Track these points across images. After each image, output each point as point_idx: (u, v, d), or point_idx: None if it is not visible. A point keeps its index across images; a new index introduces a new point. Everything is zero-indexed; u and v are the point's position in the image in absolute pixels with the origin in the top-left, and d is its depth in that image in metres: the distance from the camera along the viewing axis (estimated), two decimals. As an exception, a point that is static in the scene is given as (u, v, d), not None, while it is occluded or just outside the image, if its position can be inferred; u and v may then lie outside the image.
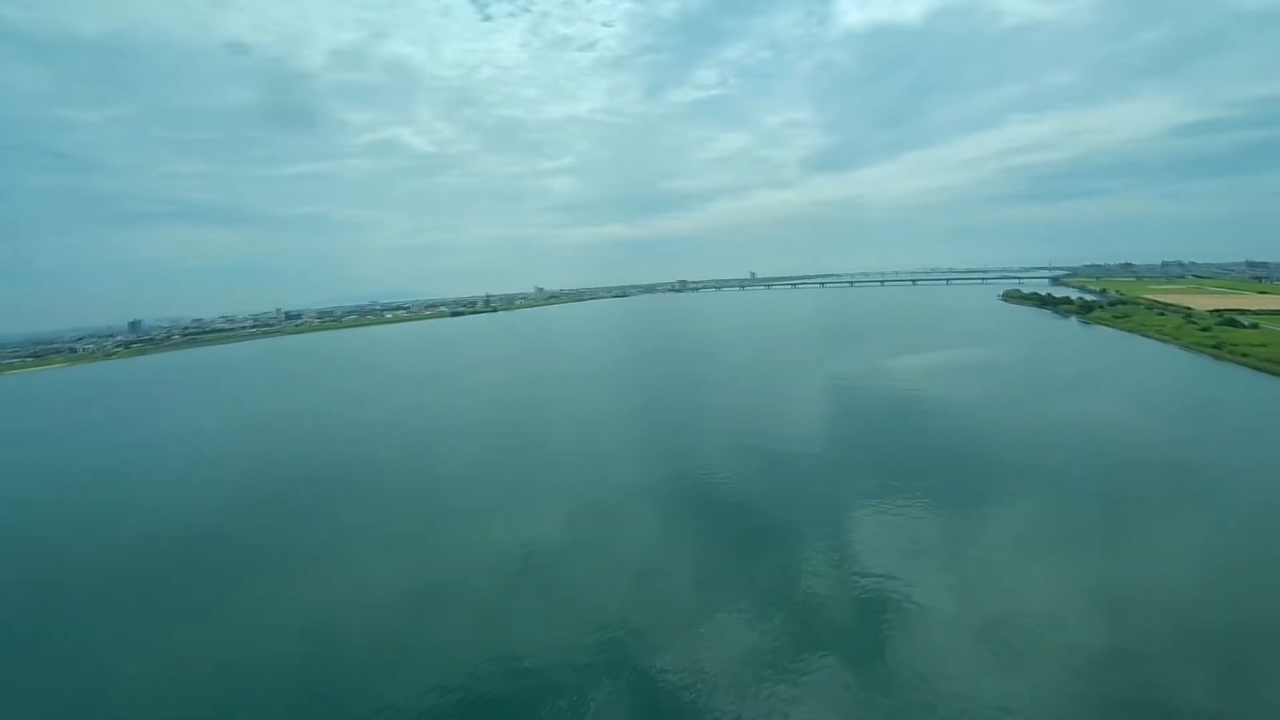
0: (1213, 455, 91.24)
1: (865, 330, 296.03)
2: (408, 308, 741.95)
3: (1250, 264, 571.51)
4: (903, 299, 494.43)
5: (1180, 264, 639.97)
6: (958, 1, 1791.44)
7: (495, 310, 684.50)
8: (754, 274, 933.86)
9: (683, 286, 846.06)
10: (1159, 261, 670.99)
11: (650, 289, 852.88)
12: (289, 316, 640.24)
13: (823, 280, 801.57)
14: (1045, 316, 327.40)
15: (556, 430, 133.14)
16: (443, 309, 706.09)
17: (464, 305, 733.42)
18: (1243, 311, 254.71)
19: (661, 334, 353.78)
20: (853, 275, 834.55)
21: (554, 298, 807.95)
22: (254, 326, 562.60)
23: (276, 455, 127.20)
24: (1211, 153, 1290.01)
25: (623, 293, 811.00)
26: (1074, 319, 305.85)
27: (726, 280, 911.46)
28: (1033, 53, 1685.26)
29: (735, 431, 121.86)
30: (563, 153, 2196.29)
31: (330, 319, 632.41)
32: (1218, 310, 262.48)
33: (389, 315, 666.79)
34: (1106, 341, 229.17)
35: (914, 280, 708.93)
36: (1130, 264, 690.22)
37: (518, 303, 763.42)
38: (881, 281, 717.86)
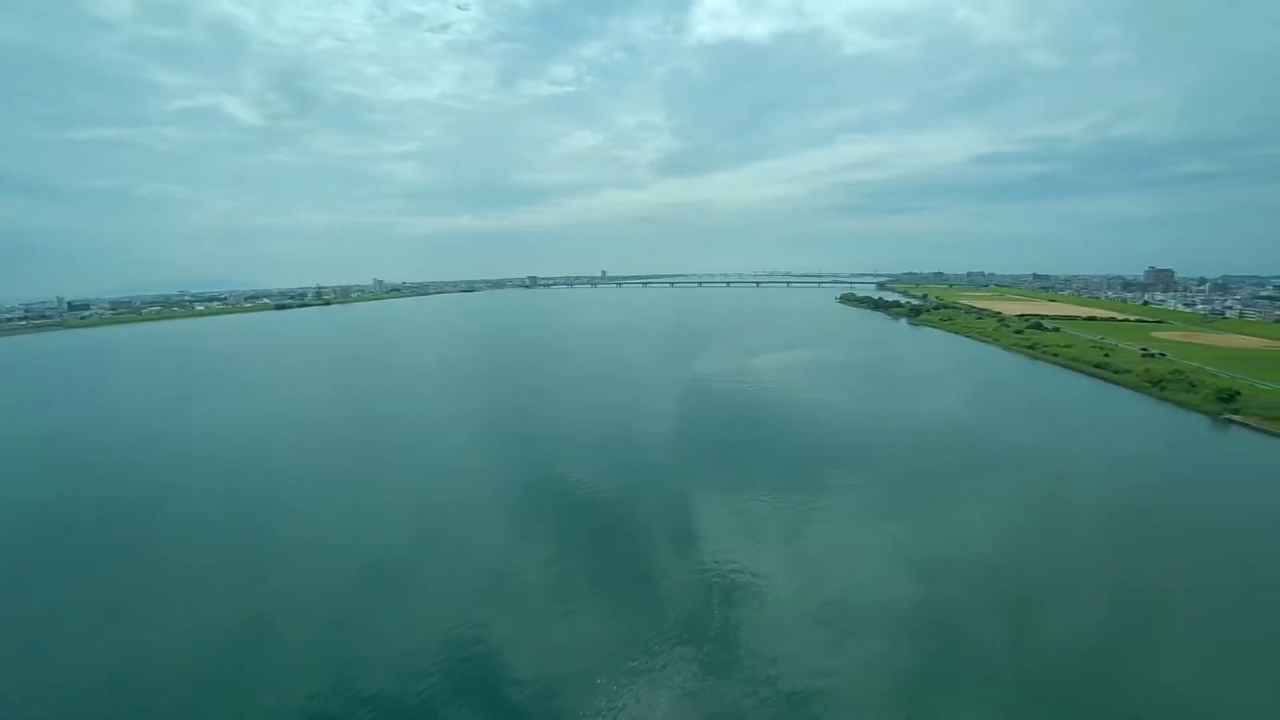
0: (1037, 441, 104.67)
1: (726, 330, 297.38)
2: (223, 299, 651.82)
3: (1036, 276, 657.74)
4: (751, 299, 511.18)
5: (983, 274, 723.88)
6: (802, 27, 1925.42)
7: (327, 303, 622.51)
8: (605, 272, 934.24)
9: (533, 282, 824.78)
10: (965, 272, 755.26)
11: (500, 284, 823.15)
12: (73, 307, 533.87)
13: (672, 280, 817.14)
14: (880, 318, 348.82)
15: (397, 453, 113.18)
16: (266, 301, 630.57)
17: (291, 297, 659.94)
18: (1042, 316, 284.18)
19: (512, 332, 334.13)
20: (700, 276, 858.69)
21: (395, 291, 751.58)
22: (25, 319, 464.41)
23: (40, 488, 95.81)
24: (1006, 180, 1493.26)
25: (470, 287, 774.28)
26: (904, 321, 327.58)
27: (578, 277, 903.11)
28: (867, 80, 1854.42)
29: (593, 434, 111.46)
30: (409, 137, 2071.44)
31: (127, 310, 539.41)
32: (1023, 315, 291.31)
33: (200, 307, 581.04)
34: (939, 342, 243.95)
35: (757, 283, 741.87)
36: (941, 273, 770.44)
37: (354, 296, 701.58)
38: (727, 283, 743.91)
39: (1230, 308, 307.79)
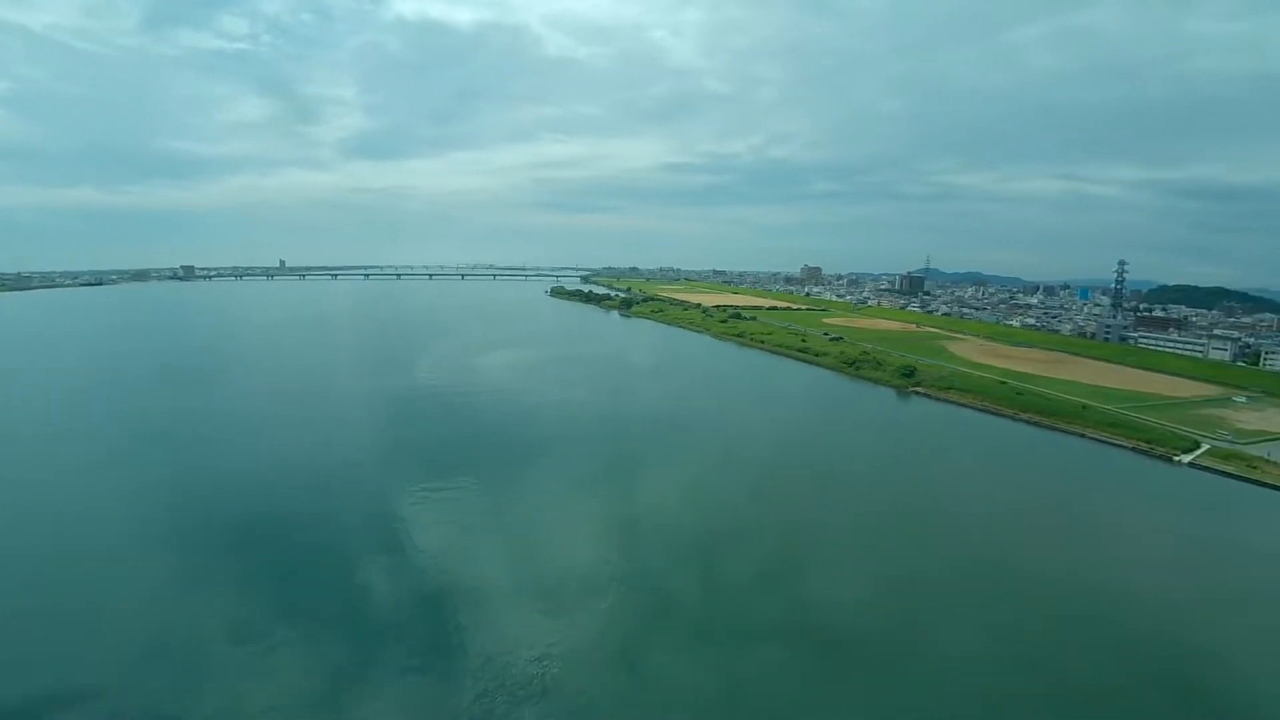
0: (782, 419, 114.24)
1: (439, 325, 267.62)
2: None
3: (715, 271, 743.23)
4: (459, 293, 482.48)
5: (673, 270, 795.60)
6: (506, 20, 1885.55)
7: None
8: (284, 262, 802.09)
9: (189, 274, 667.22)
10: (657, 267, 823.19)
11: (143, 275, 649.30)
12: None
13: (367, 272, 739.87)
14: (594, 311, 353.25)
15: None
16: None
17: None
18: (736, 307, 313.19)
19: (150, 336, 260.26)
20: (399, 268, 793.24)
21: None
22: None
23: None
24: (687, 187, 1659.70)
25: (98, 279, 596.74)
26: (616, 313, 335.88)
27: (250, 268, 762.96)
28: (569, 83, 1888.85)
29: (286, 445, 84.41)
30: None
31: None
32: (719, 306, 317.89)
33: None
34: (657, 333, 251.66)
35: (462, 275, 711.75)
36: (636, 268, 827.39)
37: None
38: (430, 275, 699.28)
39: (868, 298, 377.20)
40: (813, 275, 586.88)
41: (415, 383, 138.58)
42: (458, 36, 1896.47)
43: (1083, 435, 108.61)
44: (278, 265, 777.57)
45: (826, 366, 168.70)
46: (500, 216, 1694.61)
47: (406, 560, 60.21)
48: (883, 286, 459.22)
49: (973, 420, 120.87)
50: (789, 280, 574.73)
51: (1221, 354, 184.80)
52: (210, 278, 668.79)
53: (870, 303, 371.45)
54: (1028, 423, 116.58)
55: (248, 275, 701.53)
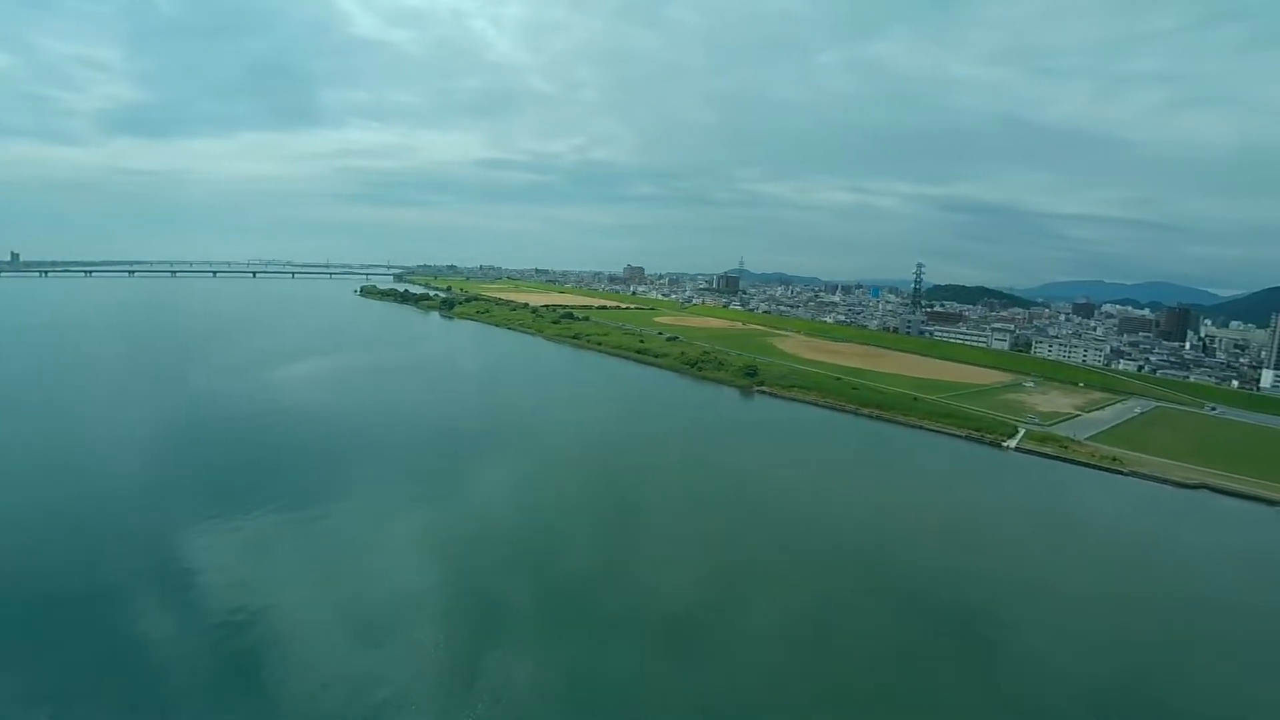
0: (622, 424, 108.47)
1: (228, 332, 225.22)
2: None
3: (538, 270, 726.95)
4: (251, 293, 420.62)
5: (495, 268, 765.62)
6: None
7: None
8: (17, 255, 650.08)
9: None
10: (478, 265, 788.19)
11: None
12: None
13: (132, 268, 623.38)
14: (411, 312, 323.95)
15: None
16: None
17: None
18: (566, 307, 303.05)
19: None
20: (175, 264, 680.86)
21: None
22: None
23: None
24: (508, 184, 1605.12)
25: None
26: (436, 314, 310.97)
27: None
28: (380, 67, 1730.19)
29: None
30: None
31: None
32: (548, 306, 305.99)
33: None
34: (484, 335, 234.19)
35: (254, 273, 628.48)
36: (455, 266, 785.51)
37: None
38: (214, 273, 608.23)
39: (692, 297, 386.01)
40: (636, 275, 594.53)
41: (188, 403, 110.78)
42: (250, 2, 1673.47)
43: (921, 427, 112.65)
44: (7, 259, 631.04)
45: (668, 368, 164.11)
46: (301, 208, 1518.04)
47: (198, 605, 49.66)
48: (701, 286, 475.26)
49: (820, 417, 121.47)
50: (613, 279, 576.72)
51: (1002, 344, 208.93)
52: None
53: (695, 301, 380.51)
54: (870, 417, 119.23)
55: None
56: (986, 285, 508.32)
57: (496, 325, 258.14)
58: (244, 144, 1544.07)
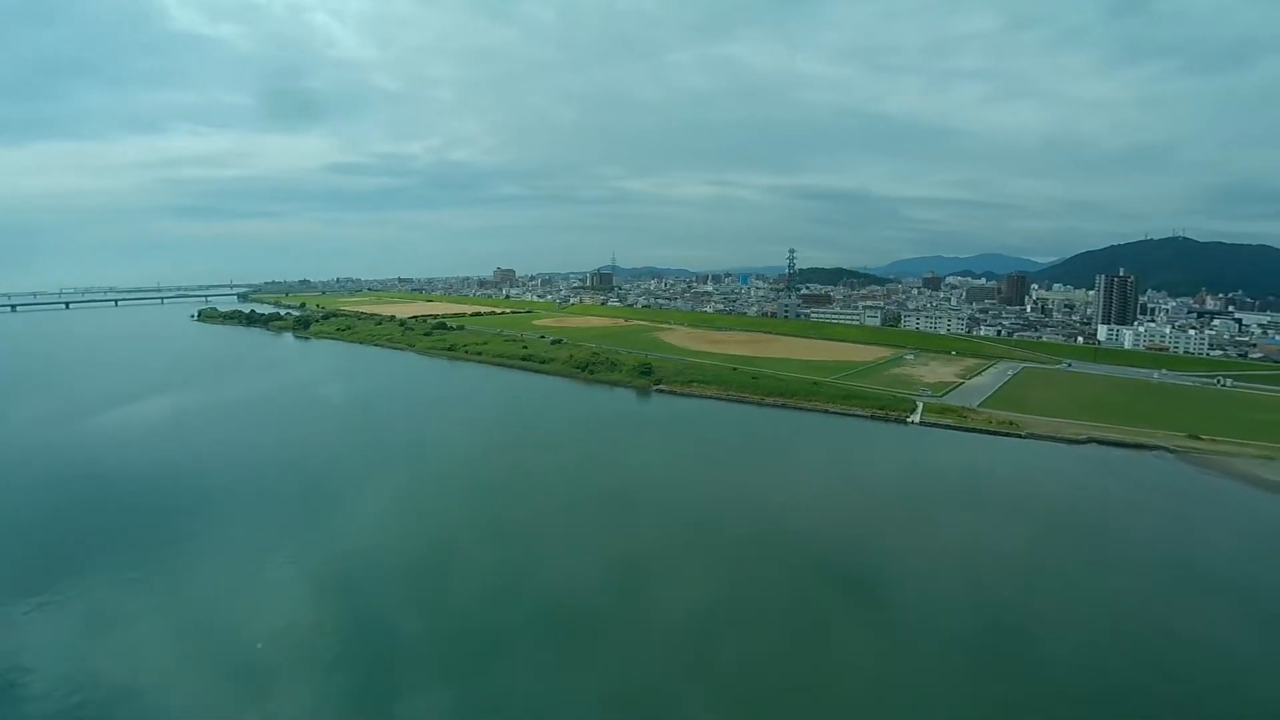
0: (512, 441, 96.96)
1: (43, 375, 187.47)
2: None
3: (401, 279, 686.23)
4: (58, 328, 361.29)
5: (353, 280, 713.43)
6: None
7: None
8: None
9: None
10: (334, 278, 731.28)
11: None
12: None
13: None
14: (261, 334, 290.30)
15: None
16: None
17: None
18: (437, 316, 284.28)
19: None
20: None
21: None
22: None
23: None
24: (360, 190, 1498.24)
25: None
26: (289, 335, 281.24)
27: None
28: (207, 65, 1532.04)
29: None
30: None
31: None
32: (416, 316, 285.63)
33: None
34: (347, 354, 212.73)
35: (66, 304, 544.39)
36: (307, 280, 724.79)
37: None
38: (12, 307, 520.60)
39: (569, 296, 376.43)
40: (507, 277, 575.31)
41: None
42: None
43: (826, 411, 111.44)
44: None
45: (557, 373, 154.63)
46: (125, 226, 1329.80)
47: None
48: (575, 284, 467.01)
49: (725, 411, 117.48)
50: (484, 284, 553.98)
51: (874, 320, 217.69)
52: None
53: (573, 300, 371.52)
54: (774, 406, 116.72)
55: None
56: (843, 266, 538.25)
57: (360, 343, 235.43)
58: (44, 154, 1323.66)
